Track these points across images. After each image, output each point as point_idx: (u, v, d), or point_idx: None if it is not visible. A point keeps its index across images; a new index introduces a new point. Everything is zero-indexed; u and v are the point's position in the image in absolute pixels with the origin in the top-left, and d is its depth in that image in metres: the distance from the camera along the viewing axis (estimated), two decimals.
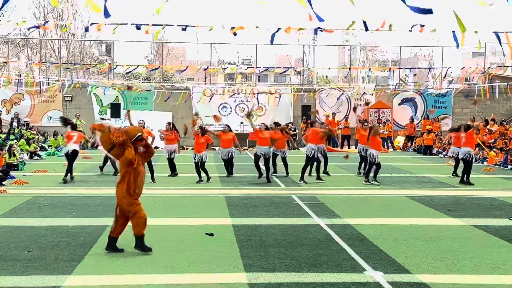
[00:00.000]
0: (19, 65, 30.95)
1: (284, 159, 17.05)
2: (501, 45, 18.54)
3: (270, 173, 16.18)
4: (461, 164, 16.63)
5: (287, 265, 7.39)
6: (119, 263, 7.37)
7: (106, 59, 48.45)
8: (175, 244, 8.42)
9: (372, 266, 7.36)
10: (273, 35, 17.05)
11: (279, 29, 18.21)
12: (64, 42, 43.62)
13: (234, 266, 7.33)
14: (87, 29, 15.44)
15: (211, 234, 9.06)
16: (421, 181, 16.54)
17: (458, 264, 7.56)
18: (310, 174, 16.63)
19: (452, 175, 17.56)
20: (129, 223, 8.02)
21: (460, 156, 16.22)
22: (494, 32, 18.91)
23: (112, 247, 7.98)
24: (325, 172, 17.30)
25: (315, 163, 16.40)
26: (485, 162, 22.11)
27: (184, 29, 16.62)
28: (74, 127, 16.16)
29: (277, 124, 17.28)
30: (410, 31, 18.19)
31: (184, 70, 32.96)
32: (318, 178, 16.18)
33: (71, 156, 15.55)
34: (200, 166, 15.71)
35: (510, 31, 17.52)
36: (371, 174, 15.47)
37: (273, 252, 8.04)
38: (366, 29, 15.32)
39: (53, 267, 7.15)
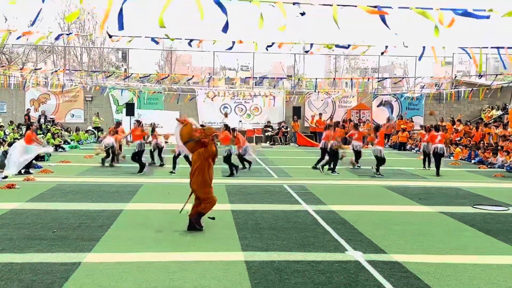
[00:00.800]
0: (46, 70, 30.73)
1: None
2: (469, 56, 18.71)
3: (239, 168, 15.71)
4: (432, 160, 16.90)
5: (279, 245, 7.38)
6: (132, 243, 7.35)
7: (122, 64, 48.25)
8: (180, 227, 8.39)
9: (353, 246, 7.36)
10: (267, 47, 17.11)
11: (273, 43, 18.23)
12: (85, 49, 43.43)
13: (232, 246, 7.33)
14: (110, 36, 15.35)
15: (213, 218, 8.99)
16: (396, 173, 16.54)
17: (427, 245, 7.57)
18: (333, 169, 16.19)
19: (423, 168, 17.69)
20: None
21: (435, 151, 16.37)
22: (461, 47, 19.07)
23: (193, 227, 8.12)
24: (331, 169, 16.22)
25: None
26: (451, 157, 22.14)
27: (189, 44, 16.61)
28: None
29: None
30: (383, 52, 18.37)
31: (191, 79, 32.85)
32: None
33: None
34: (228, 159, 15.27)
35: (473, 46, 17.67)
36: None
37: (266, 234, 8.04)
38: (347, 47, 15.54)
39: (74, 246, 7.14)
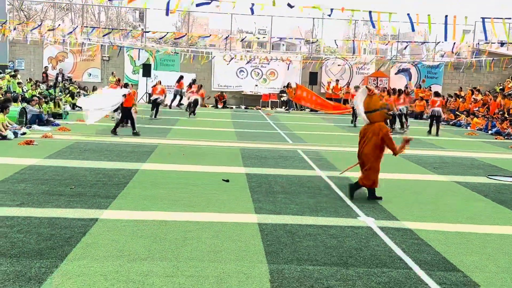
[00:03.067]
0: (64, 27, 30.70)
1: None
2: (484, 31, 18.73)
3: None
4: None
5: (291, 209, 7.46)
6: (148, 202, 7.47)
7: (139, 25, 47.98)
8: (195, 188, 8.52)
9: (365, 213, 7.41)
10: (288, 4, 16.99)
11: (293, 6, 18.02)
12: (103, 7, 43.16)
13: (246, 208, 7.42)
14: None
15: (227, 180, 9.13)
16: (412, 142, 16.38)
17: (440, 214, 7.60)
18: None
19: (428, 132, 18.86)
20: None
21: (433, 114, 18.57)
22: (482, 17, 18.74)
23: (351, 195, 8.26)
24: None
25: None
26: (468, 127, 21.92)
27: (209, 3, 16.49)
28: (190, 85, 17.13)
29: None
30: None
31: (208, 37, 32.58)
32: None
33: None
34: None
35: (495, 17, 17.35)
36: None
37: (280, 197, 8.11)
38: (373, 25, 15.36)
39: (92, 202, 7.28)
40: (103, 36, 29.90)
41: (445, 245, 6.12)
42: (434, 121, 18.57)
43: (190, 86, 23.48)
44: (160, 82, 22.21)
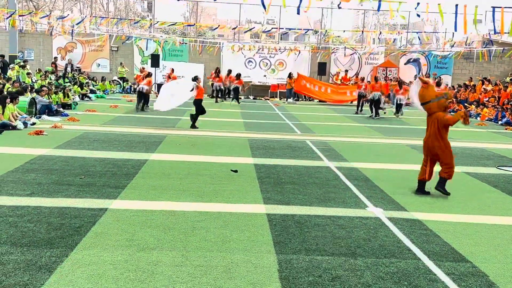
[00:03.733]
0: (73, 17, 30.75)
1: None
2: (493, 21, 18.64)
3: None
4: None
5: (300, 199, 7.46)
6: (156, 192, 7.51)
7: (148, 15, 47.96)
8: (204, 178, 8.54)
9: (374, 203, 7.40)
10: (298, 8, 17.20)
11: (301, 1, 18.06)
12: None
13: (254, 198, 7.43)
14: None
15: (236, 171, 9.15)
16: (422, 132, 16.32)
17: (449, 205, 7.57)
18: None
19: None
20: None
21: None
22: (492, 7, 18.58)
23: (421, 190, 8.15)
24: None
25: None
26: (478, 118, 21.77)
27: None
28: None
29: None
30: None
31: (216, 28, 32.48)
32: None
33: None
34: None
35: (506, 6, 17.15)
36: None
37: (288, 188, 8.12)
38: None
39: (101, 192, 7.33)
40: (114, 24, 29.93)
41: (454, 235, 6.10)
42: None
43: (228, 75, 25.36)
44: (172, 71, 24.13)
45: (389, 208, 7.17)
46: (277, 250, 5.36)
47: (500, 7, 17.26)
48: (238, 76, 25.23)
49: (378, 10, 18.18)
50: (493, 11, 19.05)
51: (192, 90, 14.79)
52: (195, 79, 15.21)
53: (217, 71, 25.70)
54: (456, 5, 18.42)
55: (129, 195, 7.26)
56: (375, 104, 20.32)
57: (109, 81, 27.78)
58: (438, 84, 22.09)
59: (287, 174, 9.12)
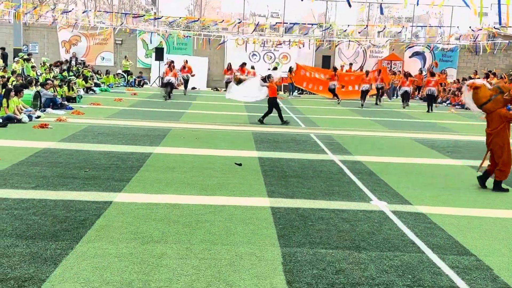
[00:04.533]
0: (77, 10, 30.77)
1: None
2: (500, 14, 18.55)
3: None
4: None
5: (304, 193, 7.47)
6: (161, 185, 7.52)
7: (152, 8, 47.89)
8: (208, 171, 8.55)
9: (378, 197, 7.40)
10: None
11: None
12: None
13: (259, 191, 7.44)
14: None
15: (240, 164, 9.15)
16: (426, 126, 16.34)
17: (453, 198, 7.56)
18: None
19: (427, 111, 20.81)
20: None
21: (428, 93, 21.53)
22: None
23: (483, 184, 8.23)
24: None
25: None
26: None
27: None
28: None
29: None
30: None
31: (220, 22, 32.40)
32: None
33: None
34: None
35: None
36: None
37: (292, 181, 8.12)
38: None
39: (106, 185, 7.35)
40: (119, 17, 29.91)
41: (458, 229, 6.09)
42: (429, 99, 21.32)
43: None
44: (186, 62, 24.44)
45: (393, 202, 7.16)
46: (281, 243, 5.37)
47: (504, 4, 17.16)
48: (252, 67, 26.29)
49: (381, 13, 18.55)
50: (499, 3, 18.93)
51: (263, 89, 15.14)
52: (268, 77, 15.40)
53: (229, 66, 26.76)
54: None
55: (134, 188, 7.28)
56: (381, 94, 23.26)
57: (114, 75, 27.78)
58: (432, 74, 23.00)
59: (291, 168, 9.12)
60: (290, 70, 26.97)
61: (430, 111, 20.74)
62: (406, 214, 6.62)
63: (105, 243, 5.16)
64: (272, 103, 14.88)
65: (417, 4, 19.59)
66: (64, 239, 5.20)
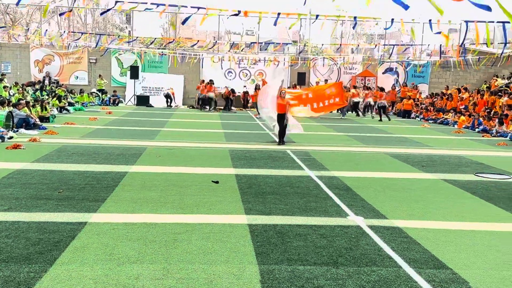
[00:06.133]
0: (50, 30, 30.49)
1: None
2: (466, 32, 19.34)
3: None
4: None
5: (281, 209, 7.47)
6: (137, 204, 7.44)
7: (126, 27, 47.76)
8: (185, 189, 8.50)
9: (354, 212, 7.44)
10: (275, 21, 17.87)
11: (279, 14, 18.43)
12: (89, 10, 42.90)
13: (236, 209, 7.41)
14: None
15: (217, 182, 9.12)
16: (400, 141, 16.56)
17: (428, 212, 7.65)
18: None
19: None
20: None
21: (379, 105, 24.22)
22: (465, 21, 19.27)
23: None
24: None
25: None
26: (455, 126, 22.10)
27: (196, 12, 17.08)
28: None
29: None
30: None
31: (195, 44, 32.44)
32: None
33: None
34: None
35: (479, 20, 17.75)
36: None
37: (269, 198, 8.11)
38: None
39: (80, 206, 7.23)
40: (93, 36, 29.72)
41: (434, 243, 6.16)
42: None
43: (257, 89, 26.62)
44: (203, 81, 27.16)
45: (370, 216, 7.21)
46: (259, 261, 5.34)
47: (473, 21, 17.77)
48: (211, 82, 27.15)
49: (354, 28, 19.37)
50: (467, 25, 19.70)
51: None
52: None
53: (202, 82, 27.60)
54: (430, 20, 18.91)
55: (109, 208, 7.18)
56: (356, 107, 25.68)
57: (88, 94, 27.55)
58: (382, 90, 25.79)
59: (268, 184, 9.13)
60: (257, 87, 26.97)
61: (381, 120, 23.55)
62: (382, 228, 6.67)
63: (80, 265, 5.07)
64: (278, 119, 14.46)
65: (391, 24, 20.04)
66: (37, 262, 5.09)
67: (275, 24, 18.26)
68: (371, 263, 5.39)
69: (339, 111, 25.34)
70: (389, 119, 24.11)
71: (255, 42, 32.15)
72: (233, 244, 5.86)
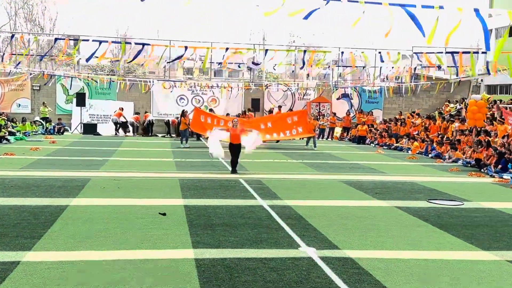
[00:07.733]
0: None
1: None
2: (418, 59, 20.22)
3: None
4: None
5: (231, 242, 7.34)
6: (76, 241, 7.14)
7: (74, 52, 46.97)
8: (129, 223, 8.25)
9: (306, 242, 7.39)
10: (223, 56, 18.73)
11: (227, 49, 18.94)
12: (33, 35, 42.03)
13: (182, 243, 7.23)
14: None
15: (164, 214, 8.92)
16: (354, 167, 16.76)
17: (381, 241, 7.68)
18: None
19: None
20: None
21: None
22: (415, 53, 20.21)
23: None
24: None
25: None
26: (409, 151, 22.61)
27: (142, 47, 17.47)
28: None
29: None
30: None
31: (142, 64, 32.04)
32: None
33: None
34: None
35: (428, 51, 18.58)
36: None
37: (219, 230, 7.98)
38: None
39: (14, 244, 6.88)
40: (36, 62, 28.99)
41: (385, 273, 6.16)
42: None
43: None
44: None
45: (322, 247, 7.18)
46: None
47: (422, 52, 18.62)
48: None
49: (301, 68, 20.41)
50: (417, 54, 20.59)
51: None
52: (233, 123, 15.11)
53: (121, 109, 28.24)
54: (380, 52, 19.67)
55: (45, 246, 6.86)
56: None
57: (31, 122, 26.76)
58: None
59: (219, 215, 8.99)
60: (183, 113, 23.62)
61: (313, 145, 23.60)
62: (334, 259, 6.63)
63: None
64: (234, 149, 14.43)
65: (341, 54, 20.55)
66: None
67: (222, 59, 19.04)
68: None
69: (307, 143, 24.05)
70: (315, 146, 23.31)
71: (208, 68, 32.07)
72: (178, 280, 5.68)
